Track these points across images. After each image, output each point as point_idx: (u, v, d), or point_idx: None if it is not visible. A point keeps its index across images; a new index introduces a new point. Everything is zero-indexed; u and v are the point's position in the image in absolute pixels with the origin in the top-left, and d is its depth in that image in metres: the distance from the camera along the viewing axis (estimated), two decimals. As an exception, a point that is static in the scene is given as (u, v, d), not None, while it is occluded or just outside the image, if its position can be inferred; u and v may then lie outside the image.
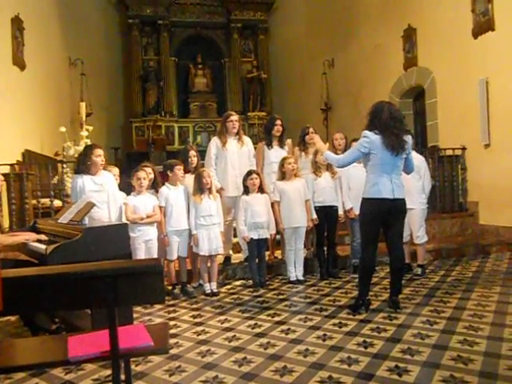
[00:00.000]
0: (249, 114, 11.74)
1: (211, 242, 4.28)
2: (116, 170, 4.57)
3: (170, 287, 4.33)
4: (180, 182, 4.44)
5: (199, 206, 4.29)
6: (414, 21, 7.67)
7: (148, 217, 4.15)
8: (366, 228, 3.57)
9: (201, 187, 4.30)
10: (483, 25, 6.20)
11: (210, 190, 4.35)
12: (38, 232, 3.51)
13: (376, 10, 8.64)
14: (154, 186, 4.49)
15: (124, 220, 4.12)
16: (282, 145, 5.06)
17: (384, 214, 3.45)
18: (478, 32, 6.31)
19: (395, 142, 3.38)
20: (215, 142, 4.93)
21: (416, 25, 7.66)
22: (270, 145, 5.02)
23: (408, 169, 3.66)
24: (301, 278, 4.63)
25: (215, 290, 4.31)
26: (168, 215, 4.30)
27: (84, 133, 7.14)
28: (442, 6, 6.95)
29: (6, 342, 2.69)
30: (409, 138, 3.52)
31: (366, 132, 3.45)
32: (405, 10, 7.87)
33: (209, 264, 4.41)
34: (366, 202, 3.52)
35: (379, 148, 3.39)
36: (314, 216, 4.65)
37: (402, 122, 3.52)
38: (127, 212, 4.11)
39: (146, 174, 4.25)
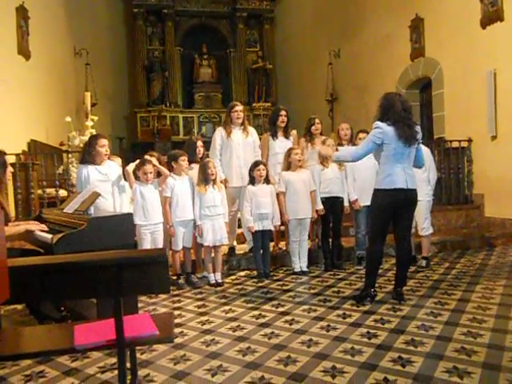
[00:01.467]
0: (254, 104, 11.72)
1: (216, 233, 4.30)
2: (118, 160, 4.57)
3: (174, 277, 4.35)
4: (185, 172, 4.44)
5: (204, 196, 4.30)
6: (422, 11, 7.58)
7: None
8: (377, 220, 3.56)
9: (206, 178, 4.30)
10: (492, 15, 6.11)
11: (214, 180, 4.35)
12: (44, 222, 3.53)
13: (383, -1, 8.54)
14: (161, 175, 4.49)
15: (129, 209, 4.13)
16: (286, 135, 5.05)
17: (397, 205, 3.44)
18: (486, 22, 6.22)
19: (408, 132, 3.38)
20: (220, 132, 4.92)
21: (423, 15, 7.57)
22: (274, 136, 5.01)
23: (419, 163, 3.63)
24: (305, 269, 4.64)
25: (220, 281, 4.33)
26: (174, 206, 4.30)
27: (89, 123, 7.16)
28: (451, -5, 6.86)
29: (13, 330, 2.72)
30: (419, 129, 3.52)
31: (379, 123, 3.43)
32: (412, -1, 7.77)
33: (213, 254, 4.42)
34: (379, 193, 3.49)
35: (393, 139, 3.38)
36: (320, 207, 4.64)
37: (411, 113, 3.52)
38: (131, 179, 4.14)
39: (151, 167, 4.23)
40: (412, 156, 3.51)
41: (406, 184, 3.42)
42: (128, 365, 2.00)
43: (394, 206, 3.44)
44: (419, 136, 3.49)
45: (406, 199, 3.46)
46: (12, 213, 5.50)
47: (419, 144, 3.56)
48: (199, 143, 4.70)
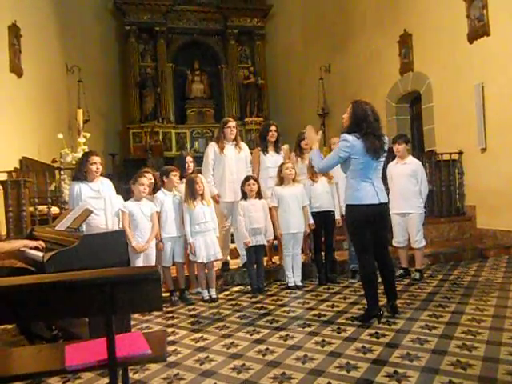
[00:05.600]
0: (246, 119, 11.79)
1: (209, 249, 4.25)
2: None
3: (167, 294, 4.30)
4: (176, 188, 4.42)
5: (193, 212, 4.25)
6: (410, 26, 7.72)
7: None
8: (358, 236, 3.42)
9: (193, 193, 4.27)
10: (478, 30, 6.24)
11: (202, 195, 4.33)
12: (36, 239, 3.49)
13: (372, 15, 8.70)
14: (156, 192, 4.49)
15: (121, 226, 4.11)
16: (277, 150, 5.08)
17: (371, 220, 3.33)
18: (473, 37, 6.35)
19: (377, 144, 3.27)
20: (213, 147, 4.94)
21: (412, 30, 7.71)
22: (265, 150, 5.04)
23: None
24: (299, 283, 4.62)
25: (214, 296, 4.29)
26: (163, 221, 4.27)
27: (81, 139, 7.12)
28: (438, 11, 7.00)
29: (3, 351, 2.67)
30: (386, 139, 3.39)
31: (346, 136, 3.29)
32: (400, 15, 7.92)
33: (206, 270, 4.39)
34: (351, 209, 3.38)
35: (360, 152, 3.25)
36: (311, 221, 4.64)
37: (380, 122, 3.39)
38: (124, 223, 4.09)
39: (147, 179, 4.23)
40: (380, 169, 3.41)
41: (377, 199, 3.32)
42: (120, 385, 1.97)
43: (368, 221, 3.32)
44: (387, 147, 3.37)
45: (379, 214, 3.37)
46: (3, 230, 5.46)
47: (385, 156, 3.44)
48: (189, 158, 4.70)
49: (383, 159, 3.40)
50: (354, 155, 3.28)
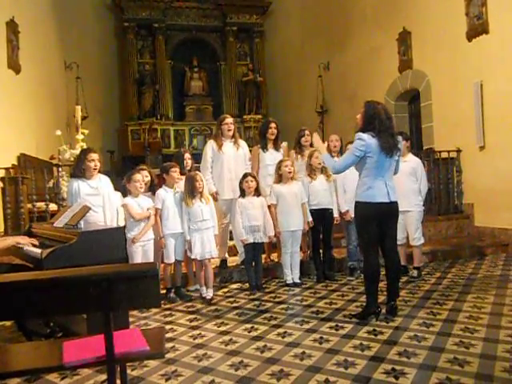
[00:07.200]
0: (244, 116, 11.78)
1: (204, 246, 4.22)
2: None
3: (164, 291, 4.30)
4: (176, 184, 4.42)
5: (191, 210, 4.24)
6: (409, 24, 7.71)
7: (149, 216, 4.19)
8: (365, 232, 3.46)
9: (192, 190, 4.26)
10: (477, 28, 6.24)
11: (201, 193, 4.33)
12: (33, 236, 3.49)
13: (371, 13, 8.68)
14: (152, 189, 4.48)
15: (121, 223, 4.11)
16: (277, 148, 5.07)
17: (380, 218, 3.38)
18: (472, 35, 6.34)
19: (391, 142, 3.32)
20: (211, 145, 4.93)
21: (411, 28, 7.71)
22: (264, 148, 5.03)
23: (395, 170, 3.58)
24: (297, 280, 4.63)
25: (209, 297, 4.18)
26: (165, 217, 4.28)
27: (79, 136, 7.12)
28: (437, 9, 7.00)
29: (1, 347, 2.67)
30: (400, 138, 3.46)
31: (362, 134, 3.34)
32: (400, 13, 7.91)
33: (203, 268, 4.36)
34: (360, 206, 3.42)
35: (375, 151, 3.30)
36: (310, 219, 4.65)
37: (393, 121, 3.46)
38: (132, 210, 4.10)
39: (142, 177, 4.24)
40: (393, 167, 3.45)
41: (388, 198, 3.36)
42: (118, 382, 1.96)
43: (377, 218, 3.37)
44: (401, 145, 3.45)
45: (389, 212, 3.40)
46: (1, 227, 5.45)
47: (399, 155, 3.51)
48: (187, 155, 4.69)
49: (397, 158, 3.45)
50: (368, 154, 3.32)
